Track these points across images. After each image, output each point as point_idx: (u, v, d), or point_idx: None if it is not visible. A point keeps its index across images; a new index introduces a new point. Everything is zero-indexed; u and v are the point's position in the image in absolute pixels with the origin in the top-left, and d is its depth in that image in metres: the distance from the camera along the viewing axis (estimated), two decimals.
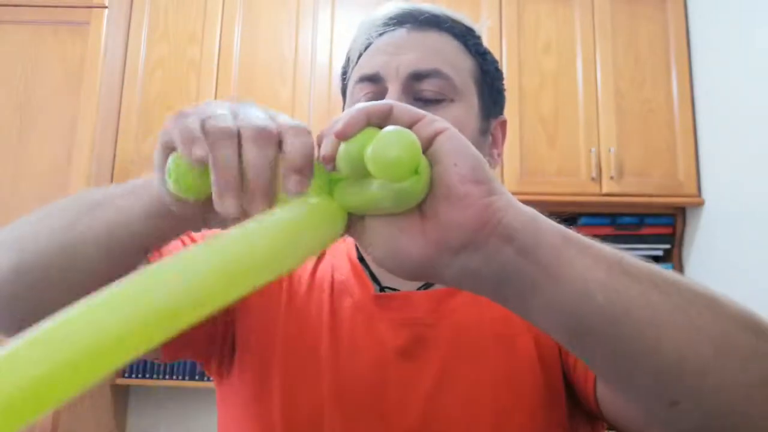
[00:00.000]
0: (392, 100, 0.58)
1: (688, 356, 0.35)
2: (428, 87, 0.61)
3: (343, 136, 0.36)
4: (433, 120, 0.37)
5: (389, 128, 0.35)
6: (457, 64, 0.64)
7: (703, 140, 2.02)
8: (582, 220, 2.09)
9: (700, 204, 1.99)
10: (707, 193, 1.98)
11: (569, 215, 2.12)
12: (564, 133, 2.03)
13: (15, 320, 0.50)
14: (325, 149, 0.37)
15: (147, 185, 0.45)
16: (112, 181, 1.98)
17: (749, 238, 1.75)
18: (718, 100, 1.95)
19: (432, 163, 0.36)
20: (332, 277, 0.65)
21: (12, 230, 0.51)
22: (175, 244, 0.60)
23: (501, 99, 0.70)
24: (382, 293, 0.64)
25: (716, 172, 1.95)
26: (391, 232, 0.37)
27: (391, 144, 0.34)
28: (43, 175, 1.82)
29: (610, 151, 2.00)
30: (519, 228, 0.35)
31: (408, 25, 0.64)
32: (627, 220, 2.10)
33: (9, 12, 1.92)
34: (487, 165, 0.38)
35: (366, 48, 0.65)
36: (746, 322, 0.37)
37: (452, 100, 0.62)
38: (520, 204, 0.37)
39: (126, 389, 2.17)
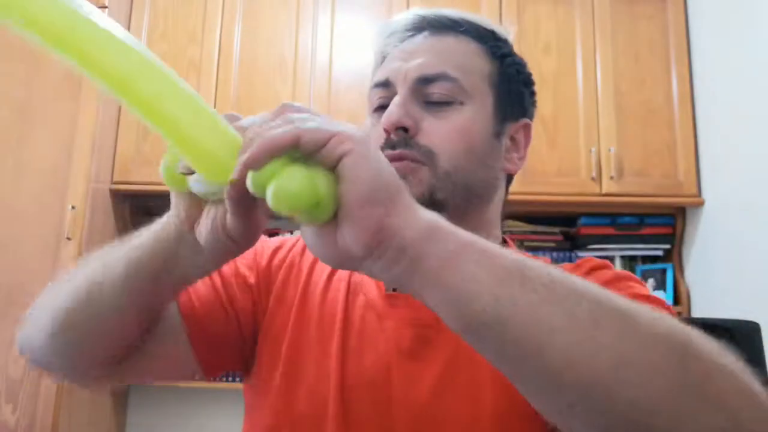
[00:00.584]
0: (399, 104, 0.61)
1: (575, 366, 0.37)
2: (436, 90, 0.63)
3: (250, 168, 0.39)
4: (341, 141, 0.39)
5: (285, 176, 0.38)
6: (469, 66, 0.65)
7: (703, 140, 2.02)
8: (582, 220, 2.09)
9: (700, 204, 1.99)
10: (707, 193, 1.98)
11: (569, 215, 2.12)
12: (564, 133, 2.03)
13: (70, 369, 0.59)
14: (236, 173, 0.40)
15: (160, 220, 0.52)
16: (112, 181, 1.98)
17: (749, 238, 1.75)
18: (718, 100, 1.95)
19: (338, 181, 0.39)
20: (350, 276, 0.67)
21: (50, 290, 0.58)
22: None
23: (523, 102, 0.70)
24: (393, 293, 0.65)
25: (716, 172, 1.95)
26: (313, 238, 0.42)
27: (283, 197, 0.37)
28: (43, 175, 1.82)
29: (610, 151, 2.00)
30: (410, 244, 0.40)
31: (426, 32, 0.66)
32: (627, 220, 2.10)
33: None
34: (393, 182, 0.41)
35: (386, 56, 0.68)
36: (667, 343, 0.38)
37: (462, 103, 0.64)
38: (421, 217, 0.41)
39: (126, 389, 2.17)
